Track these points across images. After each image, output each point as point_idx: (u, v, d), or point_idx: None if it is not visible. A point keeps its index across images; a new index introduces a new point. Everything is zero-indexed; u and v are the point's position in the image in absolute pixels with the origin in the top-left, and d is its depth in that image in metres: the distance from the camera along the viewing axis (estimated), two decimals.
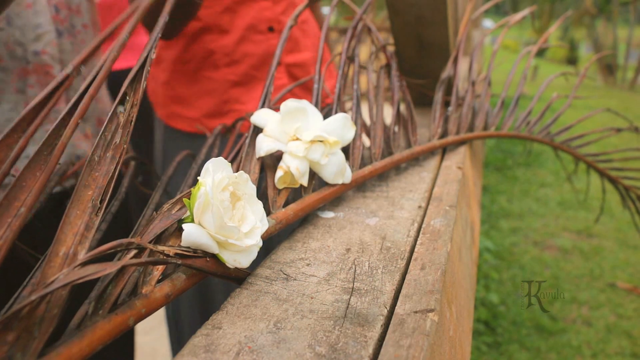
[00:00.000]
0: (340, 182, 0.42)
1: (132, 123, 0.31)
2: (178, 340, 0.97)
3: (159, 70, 0.87)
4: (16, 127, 0.26)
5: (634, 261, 2.18)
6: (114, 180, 0.29)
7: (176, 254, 0.28)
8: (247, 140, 0.42)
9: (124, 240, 0.25)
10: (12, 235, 0.23)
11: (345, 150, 0.46)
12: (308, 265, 0.34)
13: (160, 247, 0.27)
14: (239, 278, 0.32)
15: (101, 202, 0.28)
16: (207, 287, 0.88)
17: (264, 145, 0.40)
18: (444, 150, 0.62)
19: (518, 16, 0.80)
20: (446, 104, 0.69)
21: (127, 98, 0.31)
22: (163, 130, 0.90)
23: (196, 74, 0.83)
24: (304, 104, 0.42)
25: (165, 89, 0.86)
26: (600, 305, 1.86)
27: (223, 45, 0.80)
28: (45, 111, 0.27)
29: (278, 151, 0.41)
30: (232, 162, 0.46)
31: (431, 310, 0.28)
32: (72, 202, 0.27)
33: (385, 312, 0.29)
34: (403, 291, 0.31)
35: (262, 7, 0.81)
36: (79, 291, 0.25)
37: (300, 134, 0.40)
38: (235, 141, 0.75)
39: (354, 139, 0.47)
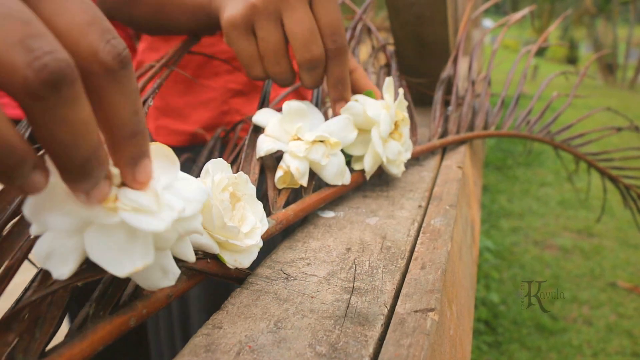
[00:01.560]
0: (340, 183, 0.42)
1: None
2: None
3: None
4: None
5: (635, 260, 2.18)
6: None
7: None
8: (246, 142, 0.42)
9: None
10: None
11: None
12: (308, 264, 0.34)
13: None
14: (239, 279, 0.32)
15: None
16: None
17: (265, 145, 0.40)
18: (444, 149, 0.62)
19: (518, 15, 0.80)
20: (446, 103, 0.69)
21: None
22: None
23: (191, 81, 0.71)
24: (307, 104, 0.41)
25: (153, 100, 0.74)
26: (601, 305, 1.86)
27: (224, 50, 0.70)
28: None
29: (278, 151, 0.41)
30: (231, 164, 0.46)
31: (431, 310, 0.28)
32: None
33: (385, 311, 0.29)
34: (403, 290, 0.31)
35: None
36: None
37: (302, 134, 0.40)
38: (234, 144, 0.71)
39: None
